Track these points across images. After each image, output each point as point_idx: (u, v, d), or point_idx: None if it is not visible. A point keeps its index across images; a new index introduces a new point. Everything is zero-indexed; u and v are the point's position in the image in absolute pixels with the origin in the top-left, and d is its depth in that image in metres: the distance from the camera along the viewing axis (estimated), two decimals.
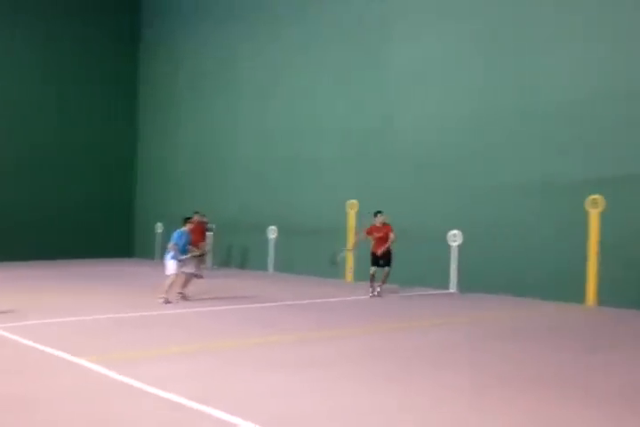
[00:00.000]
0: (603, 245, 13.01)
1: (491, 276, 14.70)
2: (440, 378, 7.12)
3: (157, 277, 16.89)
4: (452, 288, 15.17)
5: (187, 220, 13.67)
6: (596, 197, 13.15)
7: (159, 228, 24.12)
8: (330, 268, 16.24)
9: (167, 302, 12.81)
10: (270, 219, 20.11)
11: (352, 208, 17.75)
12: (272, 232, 19.97)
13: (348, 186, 17.93)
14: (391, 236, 14.32)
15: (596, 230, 13.12)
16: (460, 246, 15.23)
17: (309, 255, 18.56)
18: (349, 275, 17.57)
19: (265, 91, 20.80)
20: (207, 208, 20.29)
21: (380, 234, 14.38)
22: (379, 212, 14.47)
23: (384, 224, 14.39)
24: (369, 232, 14.60)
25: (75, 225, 24.43)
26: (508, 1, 14.91)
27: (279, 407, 5.99)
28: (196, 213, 17.27)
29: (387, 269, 14.38)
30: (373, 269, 14.41)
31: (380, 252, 14.32)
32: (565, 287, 13.45)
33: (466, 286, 15.05)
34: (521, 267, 14.22)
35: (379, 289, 14.22)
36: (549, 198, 13.90)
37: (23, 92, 23.87)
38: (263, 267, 20.07)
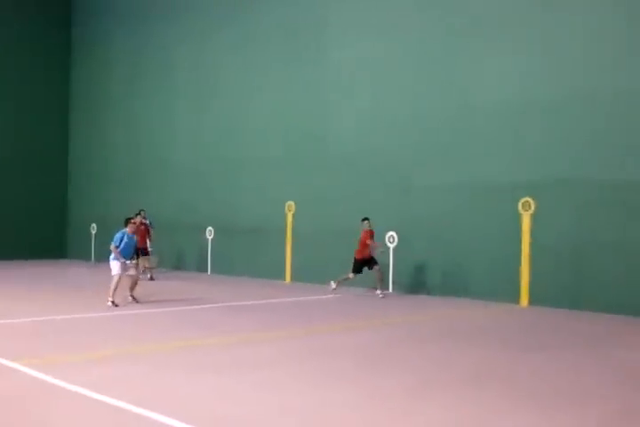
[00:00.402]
0: (534, 246, 13.38)
1: (426, 276, 14.96)
2: (380, 378, 7.21)
3: (93, 279, 16.61)
4: (389, 289, 15.35)
5: (128, 220, 13.41)
6: (527, 199, 13.51)
7: (94, 229, 23.68)
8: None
9: (114, 304, 12.60)
10: (208, 219, 19.99)
11: (290, 209, 17.79)
12: (210, 233, 19.84)
13: (287, 187, 17.95)
14: (372, 240, 14.60)
15: (527, 232, 13.49)
16: (396, 248, 15.43)
17: (248, 256, 18.55)
18: (288, 276, 17.60)
19: (202, 91, 20.66)
20: (144, 208, 20.00)
21: (367, 237, 14.57)
22: (365, 218, 14.66)
23: (370, 230, 14.65)
24: (370, 237, 14.61)
25: (4, 225, 23.78)
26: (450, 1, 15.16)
27: (218, 409, 5.97)
28: (141, 211, 17.22)
29: (376, 269, 14.59)
30: (354, 275, 14.65)
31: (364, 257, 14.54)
32: (500, 288, 13.78)
33: (402, 286, 15.26)
34: (456, 267, 14.51)
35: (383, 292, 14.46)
36: (483, 200, 14.20)
37: None
38: (202, 268, 19.93)
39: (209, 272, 19.71)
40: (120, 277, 12.83)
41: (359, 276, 14.78)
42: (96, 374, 7.23)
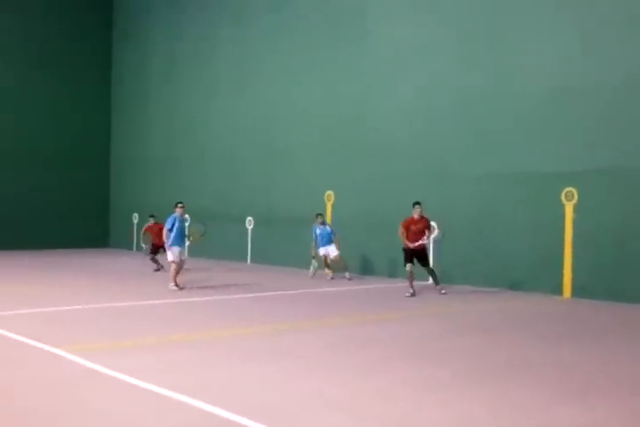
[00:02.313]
0: (577, 237, 13.17)
1: (467, 267, 14.83)
2: (416, 369, 7.19)
3: (135, 267, 16.87)
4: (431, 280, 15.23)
5: (177, 204, 13.96)
6: (570, 189, 13.29)
7: (136, 218, 24.00)
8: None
9: (179, 288, 13.35)
10: (248, 209, 20.09)
11: (329, 199, 17.78)
12: (249, 223, 19.95)
13: (326, 176, 17.93)
14: (430, 231, 13.48)
15: (570, 222, 13.28)
16: (437, 239, 15.31)
17: (287, 246, 18.59)
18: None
19: (240, 79, 20.75)
20: (182, 198, 20.14)
21: (417, 227, 13.31)
22: (416, 203, 13.44)
23: (421, 217, 13.37)
24: (406, 226, 13.35)
25: (50, 216, 24.25)
26: None
27: (257, 397, 6.01)
28: (151, 216, 17.75)
29: (427, 269, 13.50)
30: (409, 266, 13.18)
31: (412, 246, 13.19)
32: (542, 279, 13.61)
33: (444, 278, 15.14)
34: (497, 258, 14.35)
35: (412, 291, 13.02)
36: (526, 190, 14.01)
37: (3, 89, 23.68)
38: (241, 258, 20.05)
39: (248, 262, 19.82)
40: (178, 263, 13.34)
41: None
42: (139, 361, 7.34)
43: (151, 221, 17.55)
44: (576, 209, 13.21)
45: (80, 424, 5.28)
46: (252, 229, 19.95)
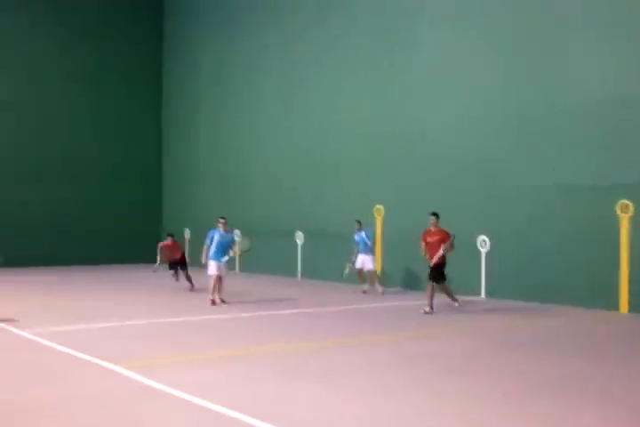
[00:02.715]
0: (634, 250, 12.85)
1: (520, 282, 14.59)
2: (463, 387, 7.08)
3: (185, 283, 17.03)
4: (482, 295, 15.07)
5: (218, 219, 14.17)
6: (625, 201, 13.00)
7: (187, 233, 24.30)
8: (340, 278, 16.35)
9: (213, 303, 13.41)
10: (296, 224, 20.15)
11: (379, 214, 17.73)
12: (299, 237, 20.01)
13: (375, 190, 17.89)
14: (447, 243, 12.49)
15: (626, 236, 12.98)
16: (488, 252, 15.13)
17: (337, 261, 18.54)
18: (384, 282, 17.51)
19: (287, 93, 20.91)
20: (232, 213, 20.44)
21: (433, 240, 12.70)
22: (431, 213, 12.96)
23: (438, 228, 12.78)
24: (423, 238, 12.87)
25: (103, 232, 24.71)
26: (536, 0, 14.80)
27: (308, 415, 6.01)
28: (168, 236, 17.42)
29: (440, 284, 12.62)
30: (430, 282, 12.69)
31: (431, 262, 12.58)
32: (597, 294, 13.29)
33: (495, 292, 14.95)
34: (550, 272, 14.09)
35: (427, 309, 12.47)
36: (579, 202, 13.75)
37: (55, 103, 24.38)
38: (290, 273, 20.10)
39: (299, 277, 19.86)
40: (217, 277, 13.46)
41: (456, 281, 14.54)
42: (193, 376, 7.41)
43: (168, 240, 17.12)
44: (632, 222, 12.91)
45: None
46: (301, 243, 20.00)
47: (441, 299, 12.92)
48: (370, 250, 15.93)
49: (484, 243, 15.22)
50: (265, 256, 20.98)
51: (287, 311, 12.85)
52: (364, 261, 15.88)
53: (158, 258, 17.22)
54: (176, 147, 25.92)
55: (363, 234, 15.98)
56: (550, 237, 14.16)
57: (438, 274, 12.61)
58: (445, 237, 12.59)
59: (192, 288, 16.23)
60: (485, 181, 15.42)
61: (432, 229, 12.76)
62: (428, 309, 12.52)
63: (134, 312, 12.56)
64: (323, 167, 19.58)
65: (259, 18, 22.10)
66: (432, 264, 12.55)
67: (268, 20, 21.71)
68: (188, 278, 16.46)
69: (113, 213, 25.06)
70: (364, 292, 15.81)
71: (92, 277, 19.59)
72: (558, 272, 13.94)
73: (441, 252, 12.48)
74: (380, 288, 15.71)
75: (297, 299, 14.93)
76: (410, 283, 16.71)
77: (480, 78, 15.63)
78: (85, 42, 24.87)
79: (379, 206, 17.72)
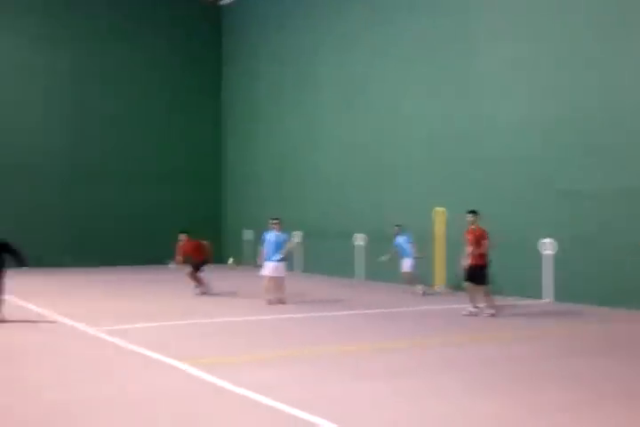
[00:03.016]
0: None
1: (585, 286, 14.23)
2: (530, 392, 6.93)
3: (245, 283, 17.21)
4: (547, 298, 14.76)
5: (272, 220, 14.39)
6: None
7: (246, 234, 24.53)
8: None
9: (269, 302, 13.65)
10: (356, 226, 20.12)
11: (439, 216, 17.56)
12: (358, 239, 19.96)
13: (435, 192, 17.73)
14: (483, 243, 12.17)
15: None
16: (553, 255, 14.81)
17: (396, 264, 18.44)
18: (437, 284, 17.37)
19: (346, 95, 20.90)
20: (291, 214, 20.61)
21: (468, 239, 12.37)
22: (469, 211, 12.69)
23: (475, 227, 12.44)
24: (465, 237, 12.58)
25: (164, 233, 25.12)
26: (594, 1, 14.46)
27: (378, 416, 5.98)
28: (181, 233, 16.62)
29: (478, 285, 12.23)
30: (465, 284, 12.57)
31: (465, 263, 12.34)
32: None
33: (561, 295, 14.62)
34: (616, 277, 13.69)
35: (471, 309, 12.29)
36: None
37: (120, 106, 25.00)
38: (350, 274, 20.07)
39: (359, 278, 19.82)
40: (270, 278, 13.68)
41: (520, 284, 14.31)
42: (255, 375, 7.46)
43: (182, 238, 16.36)
44: None
45: None
46: (361, 245, 19.96)
47: (499, 302, 12.68)
48: (408, 254, 15.99)
49: (549, 245, 14.90)
50: (324, 257, 21.07)
51: (344, 312, 12.82)
52: (403, 264, 16.05)
53: (177, 258, 16.26)
54: (236, 152, 26.18)
55: (402, 239, 16.10)
56: (617, 241, 13.76)
57: (475, 274, 12.23)
58: (481, 236, 12.20)
59: (202, 291, 15.57)
60: (547, 182, 15.10)
61: (470, 227, 12.46)
62: (472, 309, 12.31)
63: (194, 312, 12.73)
64: (382, 168, 19.51)
65: (316, 19, 22.19)
66: (467, 264, 12.27)
67: (326, 21, 21.76)
68: (194, 277, 15.66)
69: (174, 215, 25.44)
70: (423, 293, 15.79)
71: (153, 276, 19.92)
72: (625, 276, 13.55)
73: (478, 251, 12.13)
74: (420, 289, 15.79)
75: (354, 300, 14.90)
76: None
77: (541, 80, 15.32)
78: (145, 55, 25.49)
79: (438, 208, 17.55)
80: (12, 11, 23.58)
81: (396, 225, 16.40)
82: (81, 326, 10.68)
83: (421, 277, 16.28)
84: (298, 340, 9.96)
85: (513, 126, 15.93)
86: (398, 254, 16.18)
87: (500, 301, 13.21)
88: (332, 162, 21.42)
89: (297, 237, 21.11)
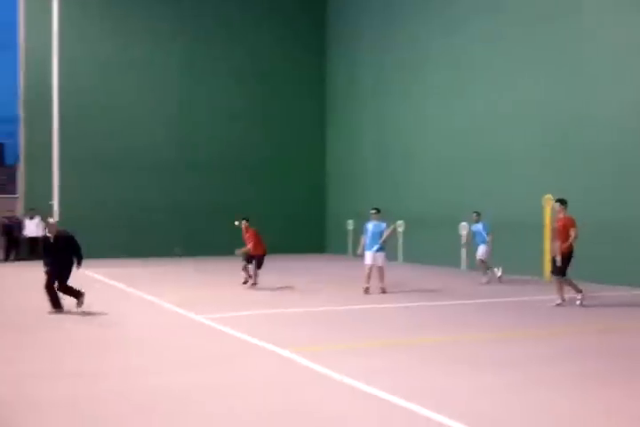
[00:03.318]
0: None
1: None
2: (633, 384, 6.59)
3: (349, 272, 17.23)
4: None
5: (371, 211, 14.44)
6: None
7: (350, 225, 24.57)
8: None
9: (365, 291, 13.66)
10: (461, 214, 19.73)
11: (548, 203, 16.96)
12: (463, 228, 19.59)
13: (545, 179, 17.13)
14: (570, 233, 11.72)
15: None
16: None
17: (506, 252, 17.97)
18: (548, 273, 16.78)
19: (453, 80, 20.52)
20: (394, 204, 20.46)
21: (556, 228, 12.06)
22: (557, 200, 12.32)
23: (563, 216, 11.97)
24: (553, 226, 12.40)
25: (271, 223, 25.52)
26: None
27: (475, 406, 5.84)
28: (243, 219, 15.56)
29: (557, 277, 11.94)
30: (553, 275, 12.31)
31: (553, 252, 12.07)
32: None
33: None
34: None
35: (559, 301, 11.92)
36: None
37: (224, 97, 25.48)
38: (455, 263, 19.74)
39: (462, 267, 19.47)
40: (370, 266, 13.77)
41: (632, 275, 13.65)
42: (359, 363, 7.45)
43: (244, 225, 15.30)
44: None
45: (298, 423, 5.43)
46: (464, 234, 19.57)
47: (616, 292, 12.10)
48: (485, 241, 15.97)
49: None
50: (427, 247, 20.81)
51: (445, 302, 12.62)
52: (478, 251, 16.14)
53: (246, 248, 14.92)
54: (340, 143, 26.23)
55: (480, 226, 16.14)
56: None
57: (557, 265, 11.88)
58: (569, 226, 11.74)
59: (252, 283, 14.78)
60: None
61: (559, 216, 12.01)
62: (559, 301, 11.93)
63: (294, 300, 12.87)
64: (490, 156, 19.02)
65: (423, 4, 21.86)
66: (554, 255, 11.96)
67: (433, 6, 21.42)
68: (246, 270, 14.96)
69: (281, 206, 25.81)
70: (500, 279, 15.99)
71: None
72: None
73: (567, 242, 11.74)
74: (484, 278, 15.85)
75: (458, 290, 14.64)
76: (580, 274, 15.85)
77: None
78: (250, 45, 25.84)
79: (548, 196, 16.94)
80: (124, 7, 24.43)
81: (475, 212, 16.38)
82: (187, 313, 10.96)
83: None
84: (399, 329, 9.87)
85: (625, 110, 15.17)
86: (473, 241, 16.44)
87: (611, 290, 12.63)
88: (438, 149, 21.08)
89: (400, 226, 20.94)
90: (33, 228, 22.47)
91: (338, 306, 12.04)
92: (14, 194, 29.55)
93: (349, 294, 13.73)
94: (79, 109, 23.39)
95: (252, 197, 25.40)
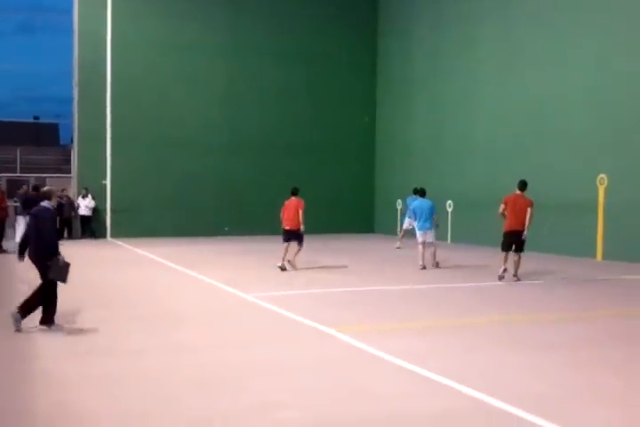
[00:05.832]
0: None
1: None
2: None
3: (398, 252, 17.20)
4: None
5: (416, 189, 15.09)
6: None
7: (399, 204, 24.51)
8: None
9: (423, 267, 14.13)
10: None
11: (601, 183, 16.64)
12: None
13: (598, 159, 16.80)
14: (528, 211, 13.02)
15: None
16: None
17: (556, 232, 17.73)
18: (599, 254, 16.54)
19: (505, 63, 20.16)
20: (443, 184, 20.31)
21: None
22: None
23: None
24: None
25: (321, 203, 25.59)
26: None
27: (529, 387, 5.83)
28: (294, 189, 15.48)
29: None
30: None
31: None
32: None
33: None
34: None
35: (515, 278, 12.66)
36: None
37: (276, 78, 25.50)
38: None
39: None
40: (423, 245, 14.15)
41: None
42: (406, 343, 7.48)
43: (292, 199, 14.92)
44: None
45: (345, 401, 5.50)
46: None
47: None
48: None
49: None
50: (475, 227, 20.62)
51: (490, 283, 12.52)
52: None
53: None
54: (390, 123, 26.06)
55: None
56: None
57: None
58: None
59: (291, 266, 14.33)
60: None
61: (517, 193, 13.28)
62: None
63: (344, 280, 12.89)
64: (543, 135, 18.69)
65: None
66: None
67: None
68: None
69: (330, 186, 25.85)
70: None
71: (309, 246, 20.34)
72: None
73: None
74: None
75: (508, 271, 14.50)
76: (632, 254, 15.58)
77: None
78: (303, 26, 25.74)
79: (602, 176, 16.62)
80: None
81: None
82: (238, 292, 11.11)
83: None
84: (450, 309, 9.85)
85: None
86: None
87: None
88: (489, 130, 20.79)
89: (449, 206, 20.80)
90: (84, 206, 22.99)
91: (386, 286, 12.06)
92: (69, 173, 30.18)
93: (396, 273, 13.74)
94: (131, 91, 23.69)
95: (302, 178, 25.43)
